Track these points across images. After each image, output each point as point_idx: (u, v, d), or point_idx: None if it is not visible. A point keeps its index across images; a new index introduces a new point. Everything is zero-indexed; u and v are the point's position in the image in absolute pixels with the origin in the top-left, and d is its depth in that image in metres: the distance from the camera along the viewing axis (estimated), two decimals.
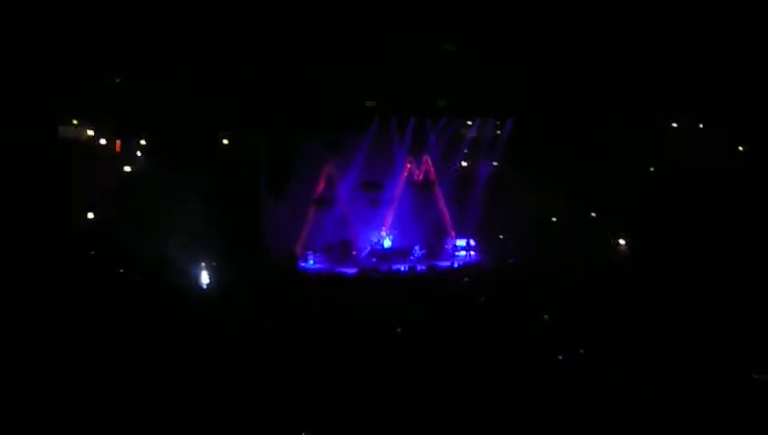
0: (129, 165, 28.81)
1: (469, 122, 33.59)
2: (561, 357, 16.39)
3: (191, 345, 15.99)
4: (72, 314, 17.38)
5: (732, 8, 25.01)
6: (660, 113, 29.97)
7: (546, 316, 19.32)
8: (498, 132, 33.35)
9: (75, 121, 27.73)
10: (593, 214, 30.44)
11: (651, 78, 27.49)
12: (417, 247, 31.69)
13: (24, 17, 23.22)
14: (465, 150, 33.93)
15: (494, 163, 33.20)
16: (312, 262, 30.64)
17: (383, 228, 32.49)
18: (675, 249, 24.87)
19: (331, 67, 27.06)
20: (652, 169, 30.83)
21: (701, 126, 30.33)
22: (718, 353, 14.96)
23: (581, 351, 16.70)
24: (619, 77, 27.57)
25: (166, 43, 25.22)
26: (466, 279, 27.58)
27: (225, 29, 25.52)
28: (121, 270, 23.25)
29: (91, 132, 28.05)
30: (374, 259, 31.05)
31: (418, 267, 29.98)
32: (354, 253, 31.48)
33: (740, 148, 29.64)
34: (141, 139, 29.18)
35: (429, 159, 33.25)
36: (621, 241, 28.59)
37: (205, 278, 25.29)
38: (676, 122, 30.54)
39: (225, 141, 30.04)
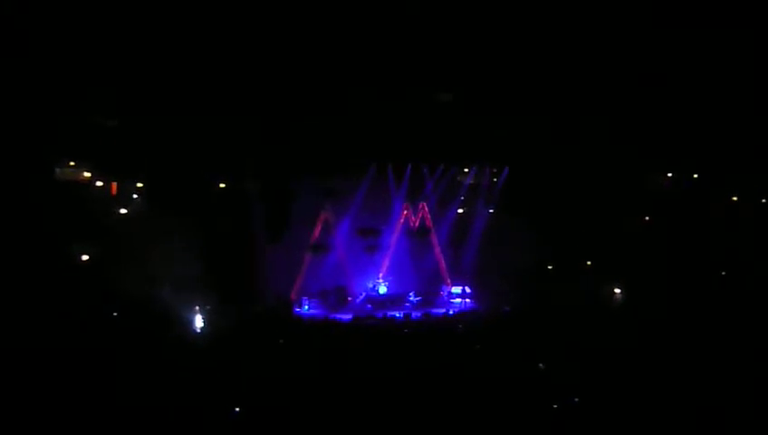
0: (124, 207, 28.78)
1: (466, 170, 33.62)
2: (556, 405, 16.33)
3: (186, 388, 15.91)
4: (63, 355, 17.32)
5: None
6: (656, 166, 30.27)
7: (541, 365, 19.26)
8: (495, 180, 33.39)
9: (72, 163, 27.76)
10: (588, 262, 30.42)
11: (644, 132, 27.73)
12: (412, 294, 31.50)
13: (26, 60, 23.39)
14: (462, 198, 33.89)
15: (491, 210, 33.17)
16: (307, 308, 30.45)
17: (379, 275, 32.34)
18: (671, 299, 24.92)
19: (330, 115, 27.17)
20: (647, 217, 30.99)
21: (695, 176, 30.58)
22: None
23: (576, 399, 16.64)
24: (613, 130, 27.75)
25: (167, 88, 25.37)
26: (461, 326, 27.51)
27: (225, 75, 25.68)
28: (114, 313, 23.20)
29: (87, 174, 28.08)
30: (369, 306, 30.85)
31: (414, 314, 29.78)
32: (350, 299, 31.30)
33: (733, 198, 29.94)
34: (138, 181, 29.17)
35: (426, 206, 33.21)
36: (617, 289, 28.50)
37: (199, 322, 25.17)
38: (671, 173, 30.80)
39: (222, 185, 30.02)
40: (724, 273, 27.78)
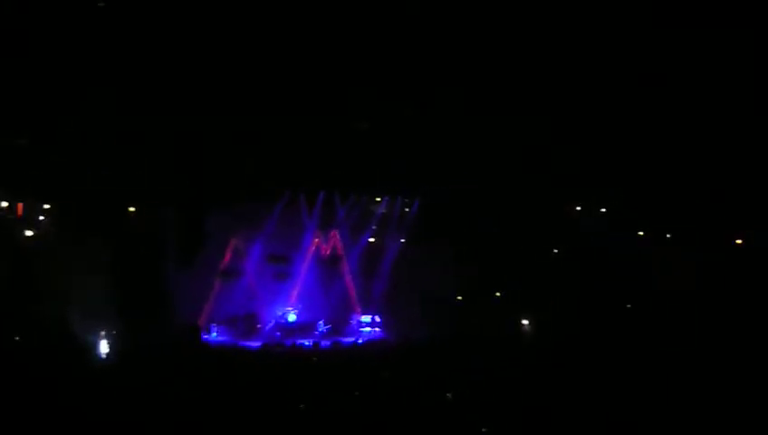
0: (30, 229, 28.05)
1: (378, 199, 33.87)
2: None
3: (90, 414, 15.60)
4: None
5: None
6: (564, 198, 31.01)
7: (449, 394, 19.44)
8: (406, 210, 33.71)
9: None
10: (498, 293, 30.92)
11: (554, 166, 28.35)
12: (321, 322, 31.49)
13: None
14: (374, 227, 34.09)
15: (402, 240, 33.46)
16: (215, 334, 30.13)
17: (289, 302, 32.22)
18: (578, 328, 25.57)
19: (243, 141, 27.05)
20: (556, 250, 31.70)
21: (603, 210, 31.41)
22: None
23: (484, 430, 16.85)
24: (526, 160, 28.27)
25: (76, 106, 24.88)
26: (369, 353, 27.64)
27: (137, 95, 25.30)
28: (16, 337, 22.59)
29: None
30: (278, 333, 30.68)
31: (323, 343, 29.77)
32: (259, 326, 31.08)
33: (639, 233, 30.83)
34: (45, 203, 28.49)
35: (337, 234, 33.31)
36: (524, 320, 29.03)
37: (104, 347, 24.70)
38: (580, 206, 31.61)
39: (132, 209, 29.55)
40: (629, 306, 28.60)
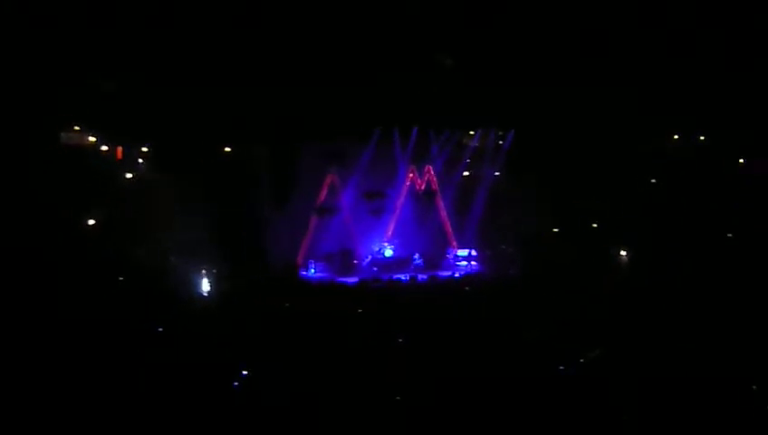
0: (130, 172, 28.77)
1: (471, 132, 33.52)
2: (562, 368, 16.39)
3: (192, 353, 16.01)
4: (72, 318, 17.42)
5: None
6: (660, 128, 30.12)
7: (546, 327, 19.29)
8: (500, 142, 33.29)
9: (77, 128, 27.71)
10: (594, 225, 30.39)
11: (650, 94, 27.55)
12: (416, 256, 31.56)
13: (28, 24, 23.27)
14: (468, 160, 33.82)
15: (497, 173, 33.13)
16: (313, 271, 30.57)
17: (384, 238, 32.38)
18: (674, 261, 24.95)
19: (334, 79, 27.02)
20: (653, 180, 30.88)
21: (701, 138, 30.45)
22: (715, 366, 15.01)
23: (582, 361, 16.71)
24: (618, 93, 27.57)
25: (171, 52, 25.24)
26: (467, 288, 27.62)
27: (230, 41, 25.52)
28: (121, 278, 23.28)
29: (92, 139, 28.02)
30: (375, 268, 30.93)
31: (419, 277, 29.90)
32: (355, 262, 31.36)
33: (740, 160, 29.78)
34: (143, 146, 29.13)
35: (431, 169, 33.16)
36: (622, 252, 28.54)
37: (205, 286, 25.31)
38: (676, 136, 30.70)
39: (227, 149, 29.98)
40: (729, 235, 27.73)
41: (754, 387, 14.22)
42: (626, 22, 25.86)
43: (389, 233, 32.74)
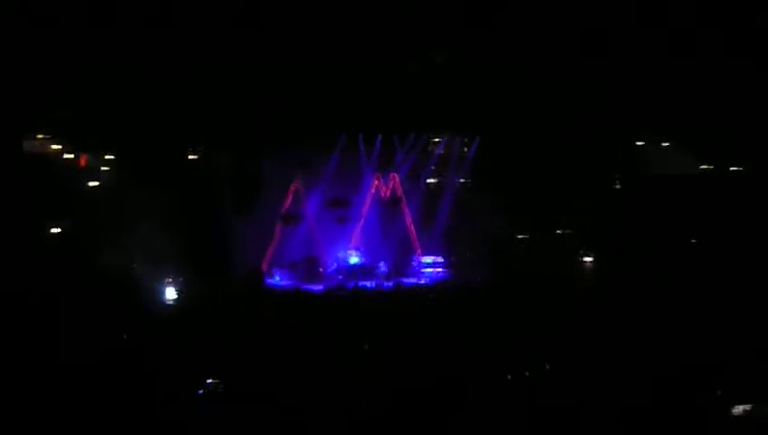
0: (93, 180, 28.52)
1: (436, 140, 33.63)
2: (527, 373, 16.53)
3: (158, 360, 15.95)
4: (35, 325, 17.27)
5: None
6: (627, 130, 30.43)
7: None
8: (465, 149, 33.42)
9: (40, 136, 27.46)
10: (559, 231, 30.63)
11: (619, 96, 27.84)
12: (381, 263, 31.54)
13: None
14: (433, 168, 33.92)
15: (461, 180, 33.26)
16: (278, 278, 30.46)
17: (350, 245, 32.36)
18: (641, 264, 25.24)
19: (299, 85, 27.03)
20: (618, 186, 31.20)
21: (666, 144, 30.81)
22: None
23: (547, 366, 16.84)
24: (584, 98, 27.81)
25: (135, 59, 25.12)
26: (432, 296, 27.65)
27: (194, 49, 25.45)
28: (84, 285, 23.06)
29: (56, 147, 27.77)
30: (340, 276, 30.87)
31: (385, 284, 29.89)
32: (321, 270, 31.29)
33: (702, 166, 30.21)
34: (106, 153, 28.89)
35: (396, 176, 33.21)
36: (587, 258, 28.80)
37: (170, 294, 25.15)
38: (641, 140, 31.04)
39: (192, 157, 29.84)
40: (693, 241, 28.10)
41: (719, 392, 14.43)
42: (596, 28, 26.09)
43: (355, 240, 32.71)
